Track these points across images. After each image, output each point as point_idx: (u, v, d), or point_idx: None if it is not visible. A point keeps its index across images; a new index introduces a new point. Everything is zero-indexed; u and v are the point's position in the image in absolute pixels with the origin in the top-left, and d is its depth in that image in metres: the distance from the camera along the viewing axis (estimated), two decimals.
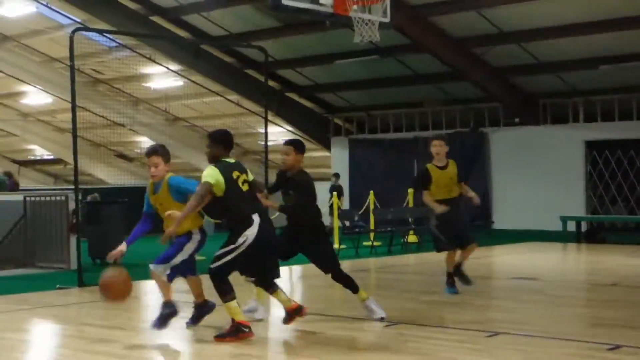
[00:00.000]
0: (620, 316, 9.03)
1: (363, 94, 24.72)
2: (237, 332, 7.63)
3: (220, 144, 7.86)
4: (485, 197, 22.52)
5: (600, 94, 20.97)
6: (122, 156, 33.60)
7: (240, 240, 7.59)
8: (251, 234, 7.60)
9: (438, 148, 10.28)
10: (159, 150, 8.09)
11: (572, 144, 21.14)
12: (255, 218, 7.65)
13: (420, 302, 10.31)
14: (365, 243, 18.06)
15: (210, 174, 7.56)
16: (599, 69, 19.65)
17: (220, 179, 7.57)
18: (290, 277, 13.69)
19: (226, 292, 7.66)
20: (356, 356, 7.10)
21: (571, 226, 19.43)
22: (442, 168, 10.29)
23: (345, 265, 15.22)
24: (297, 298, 11.78)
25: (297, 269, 14.24)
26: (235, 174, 7.70)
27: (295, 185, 8.60)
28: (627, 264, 14.41)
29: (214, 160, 7.76)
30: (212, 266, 7.70)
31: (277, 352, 7.78)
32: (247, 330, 7.65)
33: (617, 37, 18.26)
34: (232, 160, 7.84)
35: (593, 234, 19.33)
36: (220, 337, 7.67)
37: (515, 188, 21.92)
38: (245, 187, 7.74)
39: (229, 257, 7.65)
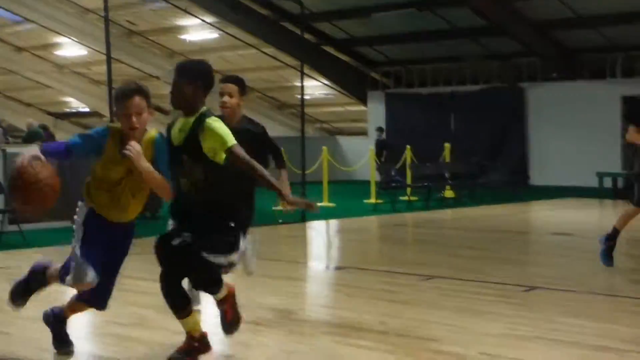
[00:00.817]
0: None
1: (400, 48, 24.54)
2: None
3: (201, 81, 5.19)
4: (522, 153, 22.38)
5: (638, 50, 20.61)
6: (157, 109, 33.73)
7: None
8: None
9: None
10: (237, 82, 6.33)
11: (609, 100, 20.87)
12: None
13: (458, 257, 10.31)
14: (402, 198, 18.07)
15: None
16: (638, 24, 19.29)
17: None
18: (328, 232, 13.77)
19: None
20: (396, 309, 7.13)
21: (607, 182, 19.25)
22: None
23: (383, 219, 15.39)
24: (334, 253, 11.86)
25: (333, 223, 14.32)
26: None
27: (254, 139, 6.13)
28: None
29: (196, 105, 5.16)
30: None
31: (318, 304, 7.83)
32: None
33: None
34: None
35: (629, 190, 19.11)
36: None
37: (552, 144, 21.74)
38: None
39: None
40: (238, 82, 6.41)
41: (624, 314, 6.84)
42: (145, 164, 4.98)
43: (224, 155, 4.99)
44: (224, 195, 5.19)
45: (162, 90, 31.38)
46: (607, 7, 19.14)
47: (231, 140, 4.99)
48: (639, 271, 9.26)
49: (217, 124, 5.04)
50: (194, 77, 5.14)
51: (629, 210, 8.49)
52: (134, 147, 4.96)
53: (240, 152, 4.98)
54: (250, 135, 6.07)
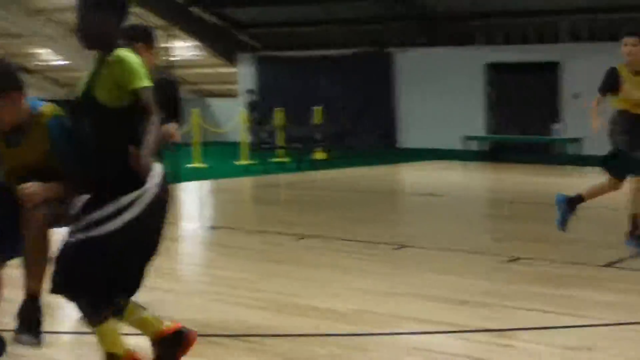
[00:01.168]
0: (518, 230, 9.40)
1: (268, 10, 24.35)
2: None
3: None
4: (390, 116, 22.76)
5: (501, 16, 21.22)
6: (21, 69, 32.39)
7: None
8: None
9: (630, 48, 7.42)
10: None
11: (474, 66, 21.44)
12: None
13: (329, 217, 10.42)
14: (273, 160, 18.08)
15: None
16: None
17: None
18: (200, 192, 13.65)
19: None
20: (269, 268, 7.16)
21: (472, 145, 19.90)
22: (637, 74, 7.49)
23: (255, 180, 15.39)
24: (206, 213, 11.79)
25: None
26: None
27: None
28: (523, 182, 14.86)
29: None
30: None
31: (193, 263, 7.76)
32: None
33: None
34: None
35: (493, 153, 19.87)
36: None
37: (419, 108, 22.15)
38: None
39: None
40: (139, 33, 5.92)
41: (486, 270, 7.09)
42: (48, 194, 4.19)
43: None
44: None
45: (26, 48, 30.26)
46: None
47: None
48: (503, 230, 9.61)
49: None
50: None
51: (606, 184, 7.63)
52: (26, 190, 4.17)
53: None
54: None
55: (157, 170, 3.87)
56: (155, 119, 3.84)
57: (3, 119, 4.21)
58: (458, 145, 19.84)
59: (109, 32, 4.02)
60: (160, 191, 3.88)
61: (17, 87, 4.25)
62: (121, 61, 3.91)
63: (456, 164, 18.45)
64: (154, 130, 3.82)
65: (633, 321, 5.37)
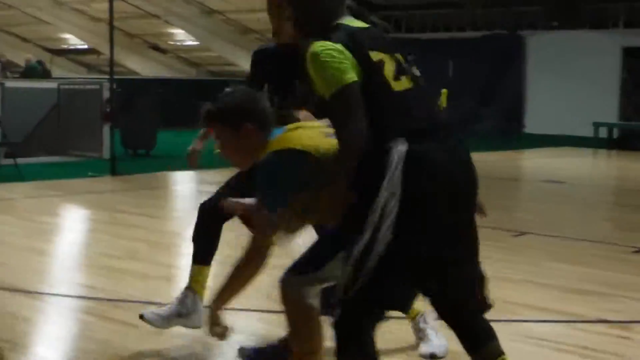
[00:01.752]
0: None
1: None
2: None
3: None
4: (519, 101, 22.31)
5: None
6: (155, 48, 33.48)
7: None
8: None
9: None
10: None
11: (609, 51, 20.71)
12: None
13: None
14: None
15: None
16: None
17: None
18: None
19: None
20: None
21: (603, 132, 19.23)
22: None
23: None
24: None
25: None
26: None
27: None
28: None
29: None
30: None
31: None
32: None
33: None
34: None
35: (624, 141, 19.13)
36: None
37: (549, 93, 21.64)
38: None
39: None
40: None
41: (608, 260, 6.89)
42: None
43: None
44: None
45: (162, 29, 31.24)
46: None
47: None
48: (629, 220, 9.30)
49: None
50: None
51: None
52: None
53: None
54: None
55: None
56: None
57: (238, 163, 3.62)
58: (587, 132, 19.22)
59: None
60: None
61: (250, 119, 3.37)
62: None
63: (584, 151, 17.92)
64: None
65: None
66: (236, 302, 4.14)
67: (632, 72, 20.54)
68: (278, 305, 3.56)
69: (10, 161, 11.81)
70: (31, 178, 11.35)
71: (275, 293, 3.53)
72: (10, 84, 15.12)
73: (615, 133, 19.62)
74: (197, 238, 4.33)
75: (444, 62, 22.94)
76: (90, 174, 12.02)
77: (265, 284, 4.32)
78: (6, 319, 4.84)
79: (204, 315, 4.13)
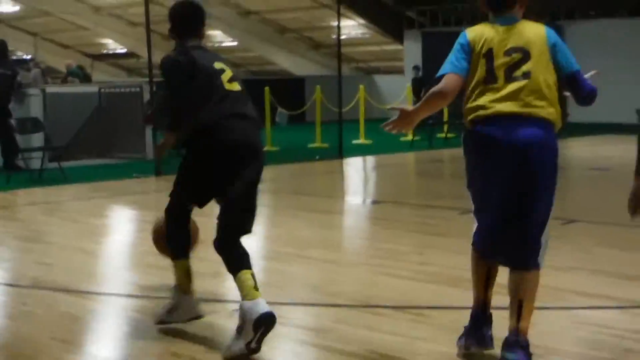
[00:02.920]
0: None
1: None
2: None
3: None
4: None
5: None
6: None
7: None
8: None
9: None
10: None
11: None
12: None
13: None
14: (439, 135, 17.92)
15: None
16: None
17: None
18: (364, 168, 13.73)
19: None
20: (432, 241, 7.11)
21: None
22: None
23: (419, 155, 15.32)
24: (370, 188, 11.87)
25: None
26: None
27: None
28: None
29: None
30: None
31: (356, 236, 7.82)
32: None
33: None
34: None
35: None
36: None
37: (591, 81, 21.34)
38: None
39: None
40: None
41: None
42: None
43: None
44: None
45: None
46: None
47: None
48: None
49: None
50: None
51: None
52: None
53: None
54: None
55: None
56: None
57: None
58: (631, 119, 18.91)
59: None
60: None
61: None
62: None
63: (629, 138, 17.57)
64: None
65: None
66: (287, 296, 4.14)
67: None
68: (325, 298, 3.54)
69: (55, 165, 11.93)
70: (76, 180, 11.46)
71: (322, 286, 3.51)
72: (51, 89, 15.27)
73: None
74: (171, 238, 4.72)
75: None
76: (135, 175, 12.10)
77: (314, 279, 4.34)
78: (59, 319, 4.88)
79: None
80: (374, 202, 9.90)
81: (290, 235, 7.40)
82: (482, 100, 3.88)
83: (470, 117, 3.90)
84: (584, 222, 7.80)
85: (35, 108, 13.65)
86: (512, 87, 3.85)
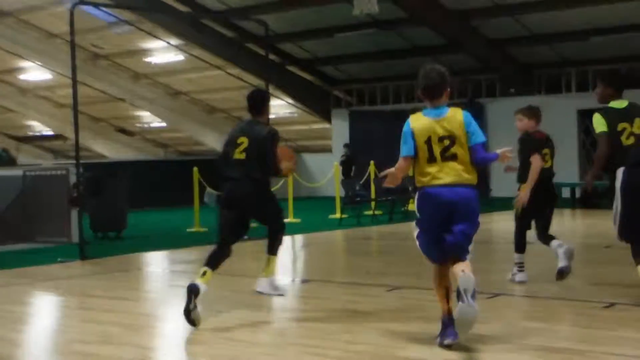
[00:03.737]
0: (614, 276, 9.09)
1: (362, 67, 24.63)
2: None
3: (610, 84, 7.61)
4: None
5: (592, 64, 20.88)
6: (122, 131, 33.50)
7: None
8: None
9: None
10: None
11: (565, 113, 21.09)
12: None
13: (421, 267, 10.26)
14: (366, 212, 18.07)
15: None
16: (590, 40, 19.56)
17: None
18: (293, 247, 13.72)
19: None
20: (360, 319, 7.10)
21: (566, 192, 19.43)
22: None
23: (348, 233, 15.37)
24: (299, 267, 11.87)
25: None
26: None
27: None
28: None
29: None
30: None
31: (284, 317, 7.76)
32: None
33: (608, 9, 18.14)
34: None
35: (586, 199, 19.32)
36: None
37: (512, 158, 21.86)
38: None
39: None
40: None
41: (582, 316, 6.87)
42: None
43: None
44: None
45: (128, 112, 31.29)
46: (560, 25, 19.38)
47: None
48: (596, 276, 9.32)
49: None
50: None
51: None
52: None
53: None
54: None
55: None
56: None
57: None
58: None
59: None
60: None
61: None
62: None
63: None
64: None
65: None
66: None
67: (588, 133, 20.89)
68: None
69: None
70: None
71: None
72: None
73: (577, 192, 19.83)
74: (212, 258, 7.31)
75: None
76: (59, 259, 11.83)
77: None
78: None
79: None
80: (303, 281, 9.85)
81: (215, 318, 7.30)
82: (428, 173, 5.85)
83: (422, 184, 5.91)
84: (509, 296, 7.88)
85: None
86: (447, 164, 5.78)
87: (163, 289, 9.76)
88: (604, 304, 7.29)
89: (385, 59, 23.24)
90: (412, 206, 18.82)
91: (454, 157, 5.76)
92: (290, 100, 27.21)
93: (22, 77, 30.39)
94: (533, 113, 8.70)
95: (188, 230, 16.33)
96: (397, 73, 24.12)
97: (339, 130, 26.05)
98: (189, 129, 30.45)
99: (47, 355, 6.41)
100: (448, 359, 5.58)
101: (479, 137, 5.88)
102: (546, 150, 8.72)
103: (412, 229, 6.17)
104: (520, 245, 8.78)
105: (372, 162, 19.52)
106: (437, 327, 6.54)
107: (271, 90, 20.44)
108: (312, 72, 26.13)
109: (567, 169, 20.57)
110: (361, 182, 19.32)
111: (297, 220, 17.34)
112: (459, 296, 5.50)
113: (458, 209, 5.78)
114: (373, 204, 18.20)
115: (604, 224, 15.22)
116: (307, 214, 18.53)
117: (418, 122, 5.97)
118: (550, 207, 8.74)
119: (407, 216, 18.09)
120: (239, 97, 27.91)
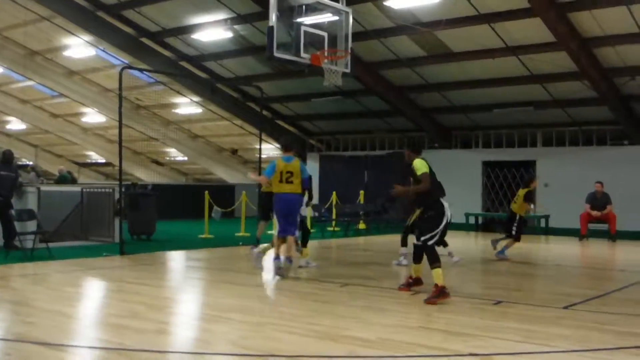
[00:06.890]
0: (503, 281, 9.19)
1: (330, 123, 24.74)
2: (441, 294, 7.14)
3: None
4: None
5: (493, 129, 21.20)
6: (155, 162, 33.34)
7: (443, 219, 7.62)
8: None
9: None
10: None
11: (474, 164, 21.34)
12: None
13: (366, 270, 10.34)
14: (329, 229, 18.08)
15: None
16: (493, 112, 19.90)
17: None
18: None
19: (435, 260, 7.35)
20: (320, 306, 7.11)
21: (472, 220, 19.63)
22: None
23: (314, 244, 15.35)
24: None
25: None
26: None
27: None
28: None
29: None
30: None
31: (265, 304, 7.75)
32: (447, 291, 7.19)
33: (506, 90, 18.52)
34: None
35: (486, 225, 19.55)
36: (430, 300, 7.10)
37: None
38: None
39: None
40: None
41: (477, 310, 6.94)
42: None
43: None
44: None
45: (160, 148, 31.14)
46: (472, 100, 19.68)
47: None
48: (489, 281, 9.38)
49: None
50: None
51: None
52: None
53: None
54: None
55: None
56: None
57: None
58: (461, 220, 19.59)
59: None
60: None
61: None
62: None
63: (460, 233, 18.19)
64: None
65: (584, 349, 5.20)
66: (212, 348, 4.04)
67: (489, 178, 21.18)
68: (239, 349, 3.49)
69: (43, 245, 11.50)
70: (60, 258, 11.05)
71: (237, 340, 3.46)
72: (45, 188, 14.82)
73: (480, 220, 20.03)
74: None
75: (362, 172, 23.34)
76: (104, 254, 11.74)
77: (232, 335, 4.26)
78: None
79: None
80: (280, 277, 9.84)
81: (216, 302, 7.29)
82: (281, 188, 8.87)
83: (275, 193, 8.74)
84: (422, 293, 7.92)
85: (31, 202, 13.19)
86: (289, 185, 8.81)
87: (179, 279, 9.72)
88: (493, 301, 7.35)
89: (347, 118, 23.36)
90: (362, 225, 18.89)
91: (291, 182, 8.92)
92: (277, 145, 27.20)
93: (84, 119, 30.18)
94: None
95: (199, 236, 16.26)
96: (355, 129, 24.25)
97: (312, 169, 26.05)
98: (203, 163, 30.36)
99: (92, 325, 6.36)
100: (382, 337, 5.61)
101: (305, 174, 9.08)
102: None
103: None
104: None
105: (334, 193, 19.58)
106: (377, 315, 6.59)
107: (264, 137, 20.50)
108: (294, 126, 26.20)
109: (474, 203, 20.82)
110: (326, 207, 19.36)
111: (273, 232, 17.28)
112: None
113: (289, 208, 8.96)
114: (334, 223, 18.23)
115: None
116: None
117: (279, 164, 8.97)
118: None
119: (358, 232, 18.17)
120: (240, 140, 27.97)
